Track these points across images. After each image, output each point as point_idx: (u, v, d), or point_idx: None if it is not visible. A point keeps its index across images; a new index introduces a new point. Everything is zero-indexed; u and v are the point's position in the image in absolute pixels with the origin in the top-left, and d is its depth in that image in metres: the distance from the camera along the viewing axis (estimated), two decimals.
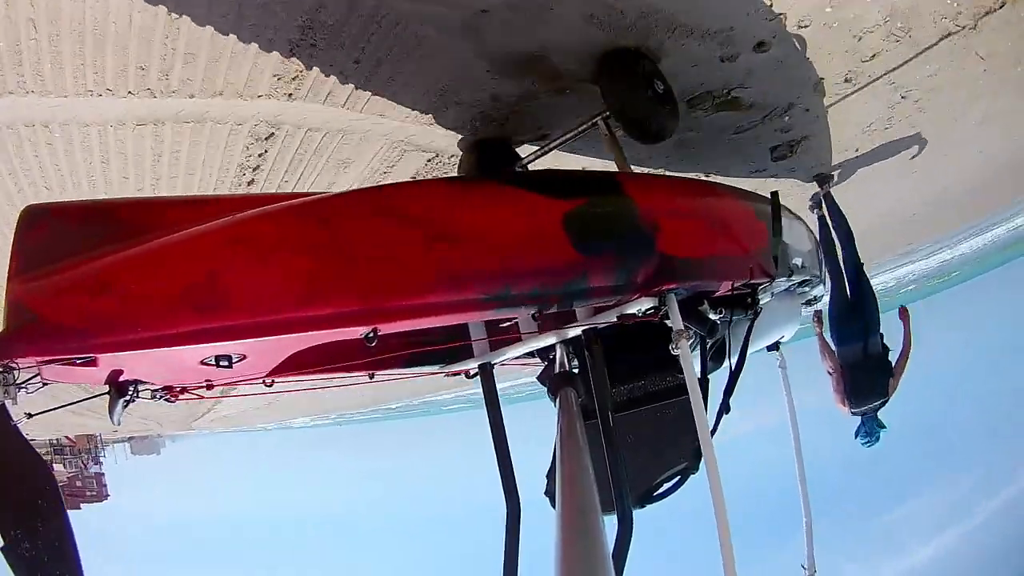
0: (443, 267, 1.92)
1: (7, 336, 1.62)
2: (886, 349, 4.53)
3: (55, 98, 2.73)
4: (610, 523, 2.39)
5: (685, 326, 2.72)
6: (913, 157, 4.80)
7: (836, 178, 4.90)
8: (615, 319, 2.48)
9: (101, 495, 26.95)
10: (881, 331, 4.56)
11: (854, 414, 4.59)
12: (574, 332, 2.59)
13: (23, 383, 1.70)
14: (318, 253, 1.79)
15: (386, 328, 1.87)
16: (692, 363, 2.37)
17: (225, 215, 1.80)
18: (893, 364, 4.50)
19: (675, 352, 2.36)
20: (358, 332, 1.83)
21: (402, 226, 1.92)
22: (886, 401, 4.52)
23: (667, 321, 2.45)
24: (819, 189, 4.81)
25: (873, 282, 4.89)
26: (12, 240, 1.75)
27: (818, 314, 4.76)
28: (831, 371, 4.61)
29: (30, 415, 1.76)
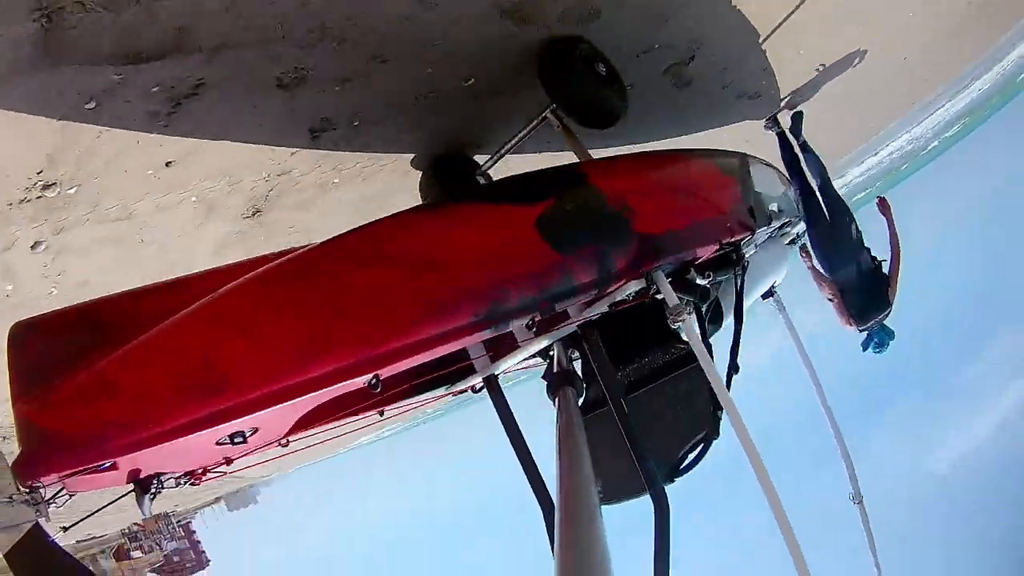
0: (429, 299, 1.94)
1: (25, 459, 1.65)
2: (877, 262, 4.56)
3: None
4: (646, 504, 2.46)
5: (679, 298, 2.80)
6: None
7: (795, 103, 4.94)
8: (607, 308, 2.52)
9: (201, 563, 26.87)
10: (867, 245, 4.59)
11: (862, 331, 4.65)
12: (569, 330, 2.62)
13: (51, 499, 1.74)
14: (303, 313, 1.82)
15: (387, 371, 1.90)
16: (696, 334, 2.42)
17: (198, 295, 1.82)
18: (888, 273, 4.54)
19: (675, 326, 2.40)
20: (361, 382, 1.87)
21: (381, 268, 1.94)
22: (890, 311, 4.57)
23: (659, 296, 2.50)
24: (779, 123, 4.87)
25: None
26: (7, 360, 1.78)
27: (804, 248, 4.81)
28: (831, 298, 4.65)
29: (65, 528, 1.80)
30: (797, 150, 4.81)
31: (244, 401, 1.71)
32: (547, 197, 2.25)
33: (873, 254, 4.57)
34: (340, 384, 1.82)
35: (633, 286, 2.50)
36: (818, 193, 4.65)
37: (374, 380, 1.88)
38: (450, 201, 2.56)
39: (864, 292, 4.50)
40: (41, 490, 1.70)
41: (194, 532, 26.96)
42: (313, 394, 1.80)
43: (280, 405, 1.75)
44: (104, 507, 1.87)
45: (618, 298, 2.51)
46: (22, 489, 1.67)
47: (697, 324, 2.96)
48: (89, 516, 1.82)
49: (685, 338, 2.39)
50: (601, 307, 2.51)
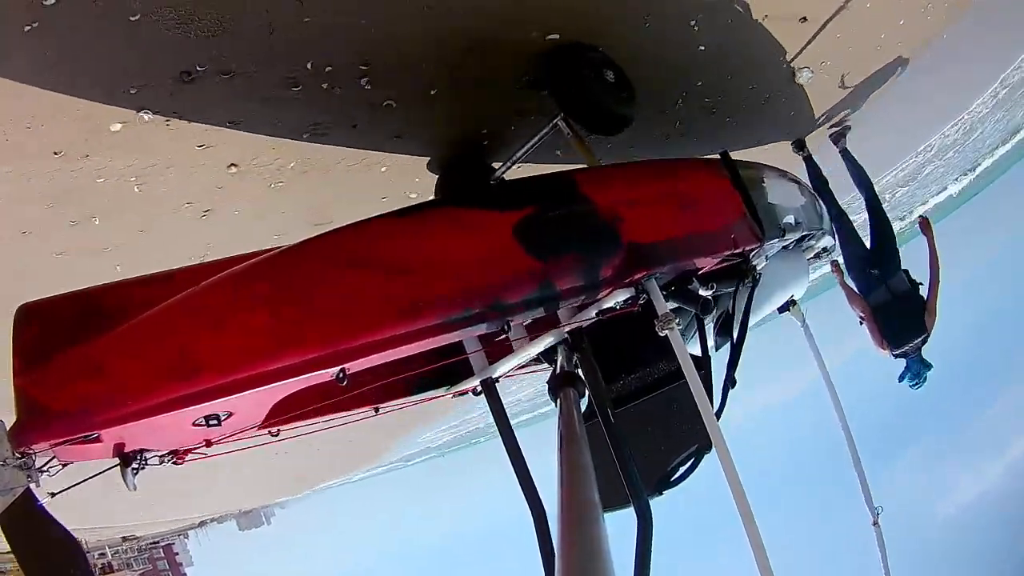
0: (399, 301, 1.99)
1: (21, 426, 1.82)
2: (914, 284, 4.32)
3: None
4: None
5: (678, 304, 2.75)
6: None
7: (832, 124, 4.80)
8: (595, 315, 2.51)
9: None
10: (905, 267, 4.36)
11: (896, 356, 4.39)
12: (559, 335, 2.62)
13: (43, 466, 1.91)
14: (274, 306, 1.91)
15: (354, 366, 1.97)
16: (682, 345, 2.37)
17: (184, 286, 1.95)
18: (925, 297, 4.29)
19: (662, 334, 2.37)
20: (328, 375, 1.94)
21: (353, 267, 2.01)
22: (927, 337, 4.29)
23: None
24: (805, 146, 4.75)
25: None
26: (12, 339, 1.95)
27: (835, 263, 4.62)
28: (862, 318, 4.42)
29: (53, 494, 1.95)
30: (824, 173, 4.68)
31: (213, 386, 1.82)
32: (529, 203, 2.27)
33: (911, 276, 4.33)
34: (306, 375, 1.90)
35: (623, 294, 2.48)
36: (867, 211, 4.48)
37: (341, 374, 1.95)
38: (433, 204, 2.61)
39: (898, 314, 4.26)
40: (33, 457, 1.86)
41: (176, 554, 27.34)
42: (280, 383, 1.89)
43: (247, 391, 1.85)
44: (90, 478, 2.01)
45: (606, 305, 2.49)
46: (16, 454, 1.84)
47: (699, 335, 2.92)
48: (75, 485, 1.97)
49: (673, 346, 2.33)
50: (589, 314, 2.50)
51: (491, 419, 2.87)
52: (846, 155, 4.85)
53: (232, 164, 2.97)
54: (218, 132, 2.73)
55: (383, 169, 3.42)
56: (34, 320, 1.98)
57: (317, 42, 2.46)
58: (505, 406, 2.94)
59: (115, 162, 2.71)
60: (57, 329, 1.95)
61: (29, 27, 1.98)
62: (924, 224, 4.46)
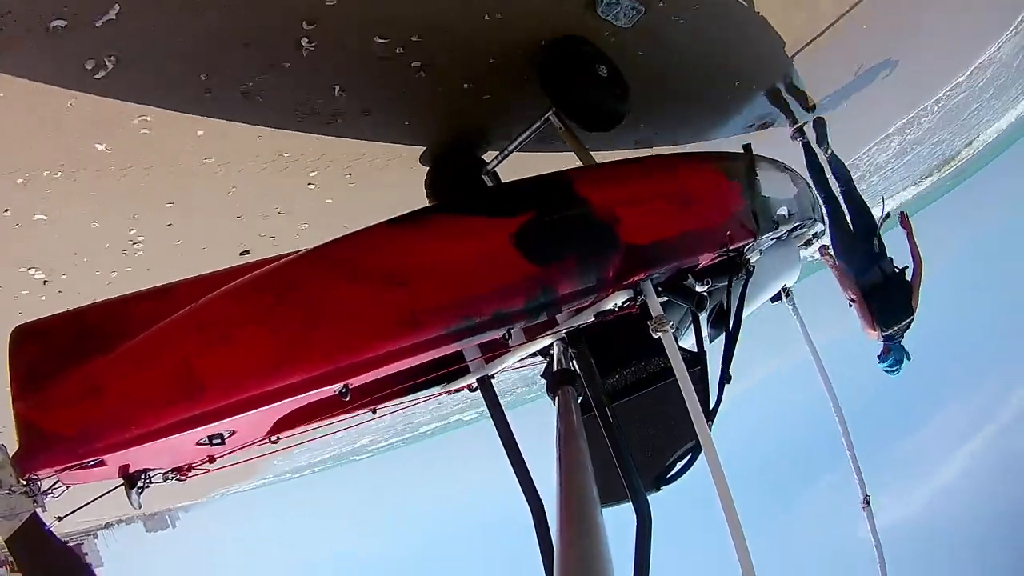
0: (400, 313, 1.98)
1: (24, 453, 1.80)
2: (900, 269, 4.43)
3: None
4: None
5: (673, 300, 2.76)
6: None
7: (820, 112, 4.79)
8: (592, 318, 2.51)
9: None
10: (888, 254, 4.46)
11: (885, 337, 4.49)
12: (555, 337, 2.63)
13: (47, 491, 1.89)
14: (277, 324, 1.89)
15: (357, 381, 1.97)
16: (676, 349, 2.39)
17: (184, 301, 1.92)
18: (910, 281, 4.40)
19: (655, 335, 2.38)
20: (332, 391, 1.94)
21: (354, 281, 1.99)
22: (912, 319, 4.41)
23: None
24: (804, 132, 4.73)
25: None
26: (8, 362, 1.91)
27: (824, 248, 4.67)
28: (853, 300, 4.50)
29: (60, 518, 1.95)
30: (822, 159, 4.68)
31: (217, 407, 1.81)
32: (528, 209, 2.25)
33: (895, 264, 4.42)
34: (310, 393, 1.90)
35: (622, 296, 2.48)
36: (841, 198, 4.52)
37: (344, 389, 1.95)
38: (430, 211, 2.58)
39: (889, 295, 4.35)
40: (38, 483, 1.85)
41: (85, 555, 27.84)
42: (284, 401, 1.89)
43: (252, 412, 1.84)
44: (92, 501, 2.01)
45: (605, 307, 2.50)
46: (20, 481, 1.82)
47: (695, 331, 2.94)
48: (78, 509, 1.97)
49: (667, 350, 2.35)
50: (587, 317, 2.50)
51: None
52: (820, 146, 4.79)
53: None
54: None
55: (373, 160, 3.37)
56: (30, 342, 1.93)
57: None
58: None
59: None
60: (55, 350, 1.90)
61: None
62: (904, 220, 4.53)
